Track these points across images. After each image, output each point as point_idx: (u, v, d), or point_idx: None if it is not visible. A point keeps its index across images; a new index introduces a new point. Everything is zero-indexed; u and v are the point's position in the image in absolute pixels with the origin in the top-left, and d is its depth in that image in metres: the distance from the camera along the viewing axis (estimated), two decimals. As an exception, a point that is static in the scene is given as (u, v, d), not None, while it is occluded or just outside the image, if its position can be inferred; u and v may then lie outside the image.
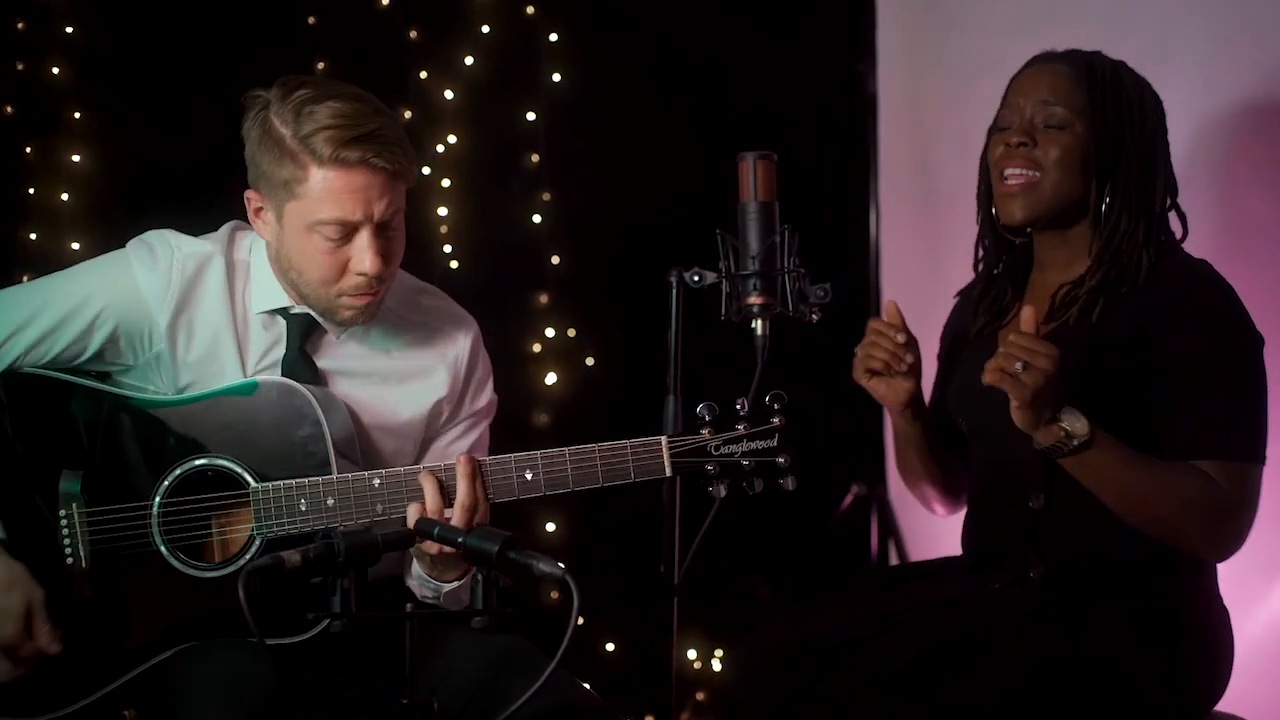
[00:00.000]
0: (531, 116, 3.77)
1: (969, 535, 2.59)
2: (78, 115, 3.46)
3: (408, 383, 2.36)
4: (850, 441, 3.96)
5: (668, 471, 2.18)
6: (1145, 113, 2.44)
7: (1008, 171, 2.47)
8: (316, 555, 1.78)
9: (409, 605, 1.81)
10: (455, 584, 2.28)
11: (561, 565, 1.79)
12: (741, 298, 2.44)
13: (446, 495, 2.14)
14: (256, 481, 2.18)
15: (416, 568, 2.29)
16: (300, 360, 2.30)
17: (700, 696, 3.88)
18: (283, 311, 2.31)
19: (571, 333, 3.85)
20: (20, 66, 3.44)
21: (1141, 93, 2.46)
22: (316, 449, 2.17)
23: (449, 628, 2.26)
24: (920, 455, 2.62)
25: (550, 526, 3.87)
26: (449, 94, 3.73)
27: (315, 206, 2.16)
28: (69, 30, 3.46)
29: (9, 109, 3.44)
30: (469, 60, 3.75)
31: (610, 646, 3.91)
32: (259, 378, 2.26)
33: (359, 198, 2.16)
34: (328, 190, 2.15)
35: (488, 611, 1.81)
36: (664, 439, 2.19)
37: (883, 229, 3.96)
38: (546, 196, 3.80)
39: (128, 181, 3.47)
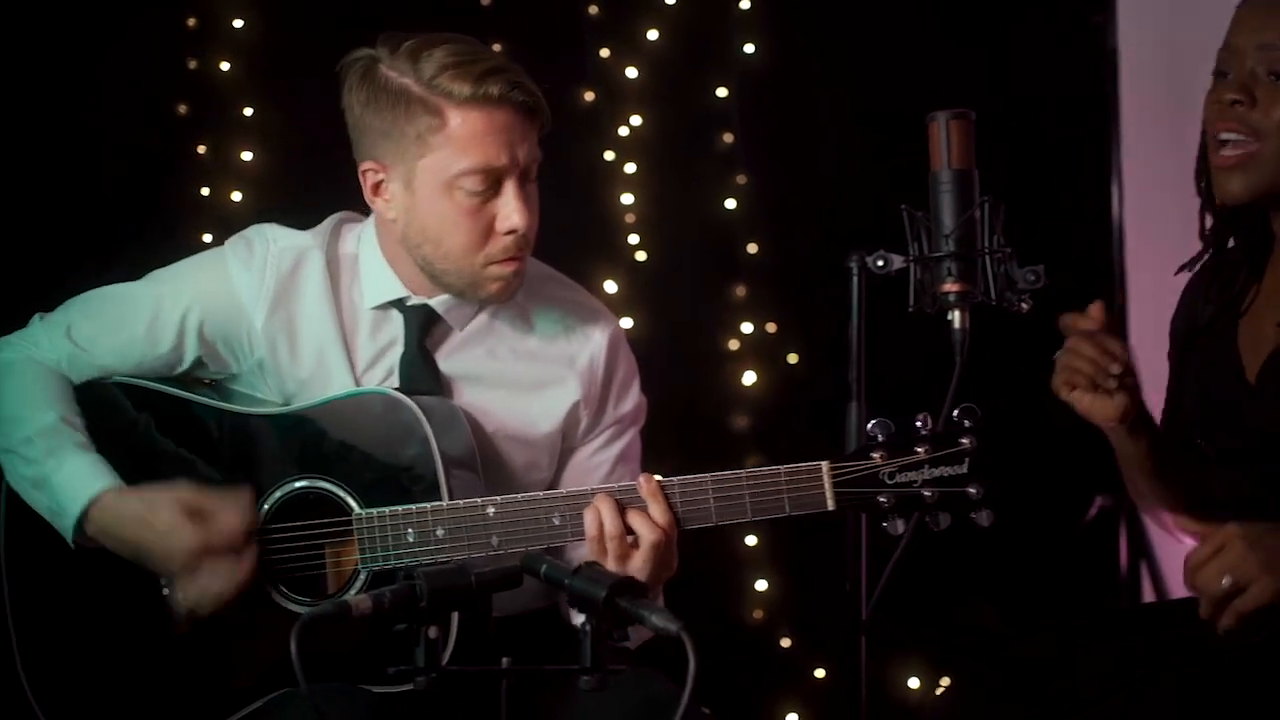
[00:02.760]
0: (723, 93, 3.55)
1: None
2: (248, 112, 3.37)
3: (538, 386, 2.10)
4: (1094, 444, 3.49)
5: (830, 504, 1.85)
6: None
7: (1223, 136, 2.02)
8: (394, 600, 1.51)
9: (504, 660, 1.52)
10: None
11: (677, 621, 1.46)
12: (934, 285, 2.09)
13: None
14: (360, 507, 1.95)
15: None
16: (420, 361, 2.06)
17: (923, 730, 3.52)
18: (398, 304, 2.07)
19: (771, 328, 3.61)
20: (192, 65, 3.38)
21: None
22: (424, 471, 1.93)
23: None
24: (1150, 479, 2.18)
25: (751, 540, 3.58)
26: (632, 72, 3.56)
27: (456, 155, 1.96)
28: (238, 25, 3.36)
29: (182, 108, 3.38)
30: (653, 35, 3.56)
31: (820, 673, 3.59)
32: (363, 388, 2.03)
33: (503, 139, 1.96)
34: (470, 133, 1.95)
35: (596, 669, 1.50)
36: (825, 465, 1.85)
37: (1127, 205, 3.48)
38: (741, 179, 3.58)
39: (299, 179, 3.36)
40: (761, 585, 3.57)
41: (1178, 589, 2.66)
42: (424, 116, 1.95)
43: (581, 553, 2.09)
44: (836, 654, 3.55)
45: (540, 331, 2.12)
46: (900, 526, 1.83)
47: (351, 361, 2.07)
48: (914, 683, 3.54)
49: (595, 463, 2.14)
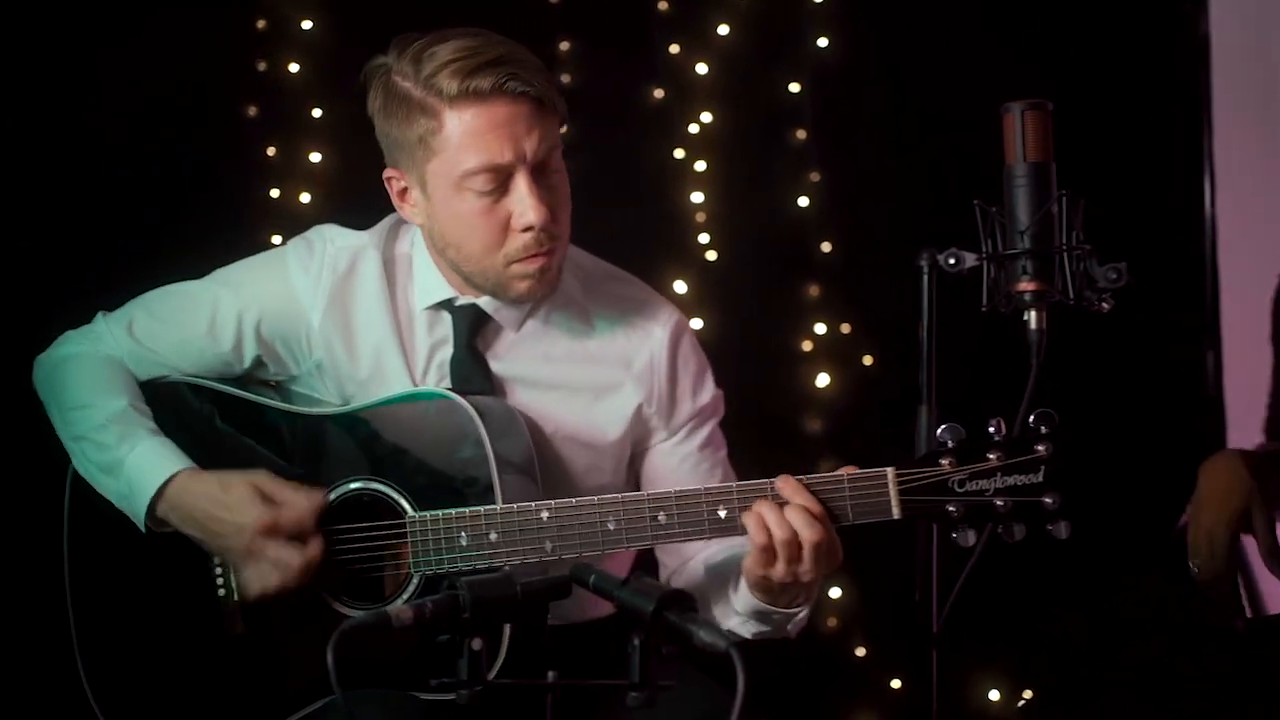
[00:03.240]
0: (795, 88, 3.48)
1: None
2: (317, 114, 3.35)
3: (597, 388, 2.05)
4: (1185, 450, 3.38)
5: (895, 513, 1.77)
6: None
7: None
8: (435, 610, 1.46)
9: (550, 674, 1.46)
10: (805, 609, 1.93)
11: (727, 638, 1.39)
12: (1009, 283, 2.00)
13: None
14: (414, 510, 1.90)
15: (739, 598, 1.93)
16: (470, 361, 2.01)
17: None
18: (447, 305, 2.02)
19: (845, 328, 3.53)
20: (262, 66, 3.37)
21: None
22: (479, 473, 1.88)
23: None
24: None
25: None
26: (702, 68, 3.49)
27: (458, 157, 1.90)
28: (306, 27, 3.35)
29: (251, 110, 3.37)
30: (724, 30, 3.49)
31: (896, 683, 3.50)
32: (418, 389, 1.98)
33: (503, 134, 1.89)
34: (467, 132, 1.89)
35: (645, 685, 1.43)
36: (890, 471, 1.78)
37: (1219, 198, 3.35)
38: (814, 176, 3.51)
39: (367, 180, 3.32)
40: (835, 593, 3.49)
41: (1276, 604, 2.54)
42: (422, 119, 1.91)
43: (692, 550, 2.04)
44: (912, 664, 3.46)
45: (600, 331, 2.06)
46: (971, 537, 1.74)
47: (408, 362, 2.03)
48: (994, 695, 3.45)
49: (678, 458, 2.07)
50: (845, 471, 1.83)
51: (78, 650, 2.06)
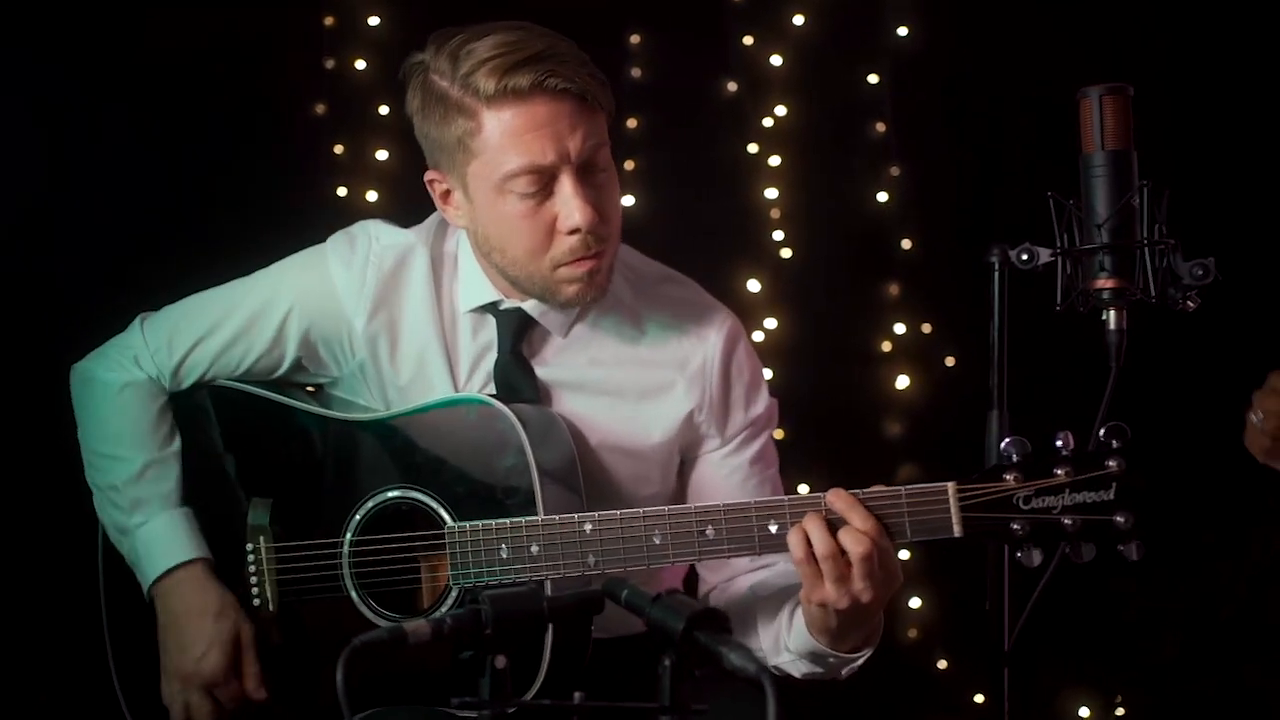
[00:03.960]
0: (874, 79, 3.39)
1: None
2: (384, 111, 3.32)
3: (647, 394, 1.96)
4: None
5: (956, 530, 1.66)
6: None
7: None
8: (455, 626, 1.39)
9: (577, 695, 1.38)
10: (863, 654, 1.83)
11: (759, 660, 1.30)
12: (1086, 281, 1.89)
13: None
14: (453, 520, 1.83)
15: (795, 636, 1.84)
16: (514, 366, 1.94)
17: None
18: (491, 308, 1.95)
19: (926, 328, 3.43)
20: (329, 64, 3.34)
21: None
22: (520, 483, 1.80)
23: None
24: None
25: (903, 554, 3.37)
26: (777, 60, 3.41)
27: (498, 158, 1.82)
28: (373, 24, 3.32)
29: (319, 108, 3.34)
30: (799, 20, 3.40)
31: (979, 698, 3.39)
32: (459, 395, 1.91)
33: (545, 134, 1.81)
34: (506, 133, 1.81)
35: (676, 709, 1.34)
36: (950, 487, 1.67)
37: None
38: (894, 171, 3.41)
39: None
40: (915, 603, 3.38)
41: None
42: (460, 120, 1.83)
43: (737, 568, 1.96)
44: (995, 679, 3.34)
45: (651, 336, 1.97)
46: (1037, 557, 1.62)
47: (452, 366, 1.97)
48: (1084, 712, 3.32)
49: (727, 469, 1.98)
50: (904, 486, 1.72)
51: (112, 663, 2.05)
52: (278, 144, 3.23)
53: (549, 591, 1.75)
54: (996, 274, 2.03)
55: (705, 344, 1.96)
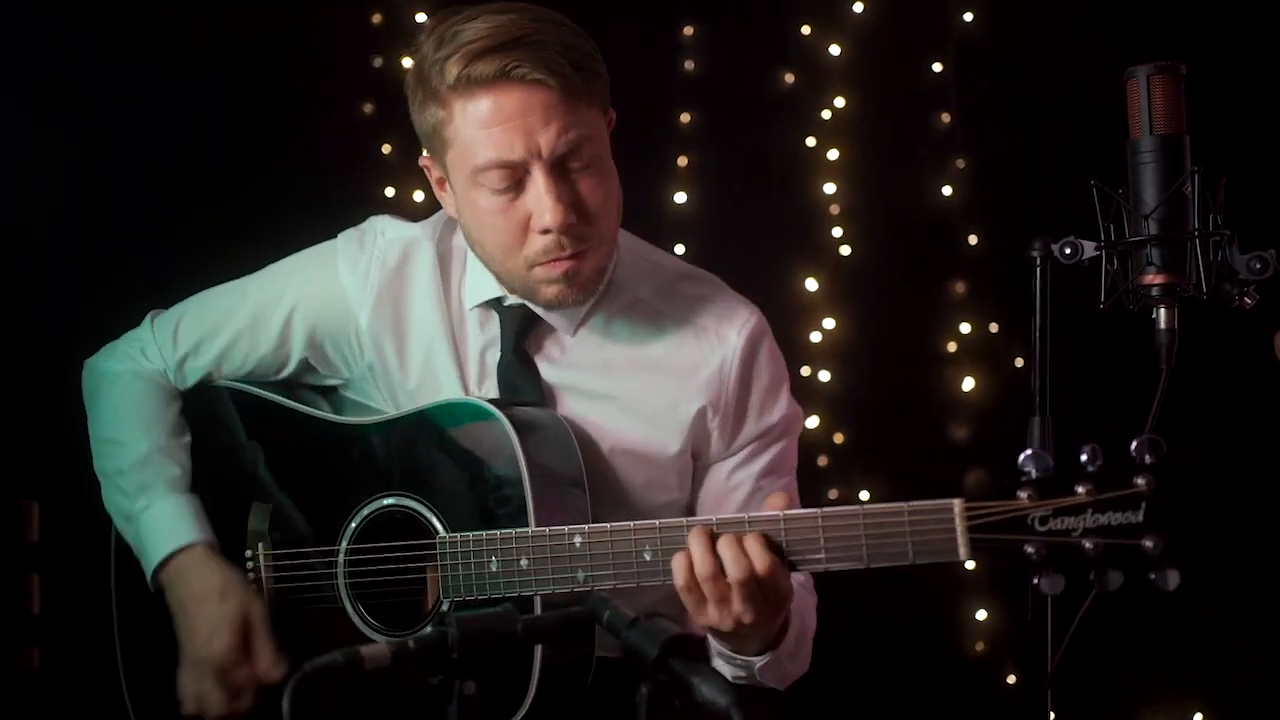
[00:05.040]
0: (938, 68, 3.29)
1: None
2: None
3: (659, 397, 1.85)
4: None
5: (962, 553, 1.54)
6: None
7: None
8: (419, 649, 1.30)
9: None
10: (765, 658, 1.73)
11: (730, 694, 1.19)
12: (1133, 276, 1.77)
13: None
14: (445, 530, 1.75)
15: (713, 641, 1.76)
16: (518, 366, 1.85)
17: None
18: (496, 304, 1.87)
19: (994, 328, 3.31)
20: (377, 63, 3.30)
21: None
22: (511, 492, 1.71)
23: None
24: None
25: (969, 564, 3.24)
26: (836, 49, 3.32)
27: (469, 150, 1.73)
28: (420, 20, 3.26)
29: (367, 107, 3.31)
30: (859, 7, 3.32)
31: (1053, 717, 3.22)
32: (453, 398, 1.83)
33: (513, 126, 1.70)
34: (473, 124, 1.71)
35: (651, 741, 1.25)
36: (957, 505, 1.54)
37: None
38: (960, 163, 3.30)
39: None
40: (981, 615, 3.24)
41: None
42: (433, 107, 1.75)
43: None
44: (1066, 695, 3.20)
45: (667, 336, 1.87)
46: (1059, 584, 1.48)
47: (460, 365, 1.89)
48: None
49: (734, 482, 1.88)
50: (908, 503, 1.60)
51: (121, 663, 2.00)
52: (325, 143, 3.19)
53: (539, 609, 1.66)
54: (1038, 269, 1.92)
55: (723, 345, 1.86)
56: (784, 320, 3.44)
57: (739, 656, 1.73)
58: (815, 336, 3.28)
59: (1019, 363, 3.29)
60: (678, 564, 1.60)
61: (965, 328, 3.29)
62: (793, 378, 3.39)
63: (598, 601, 1.39)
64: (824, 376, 3.31)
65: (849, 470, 3.32)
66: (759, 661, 1.72)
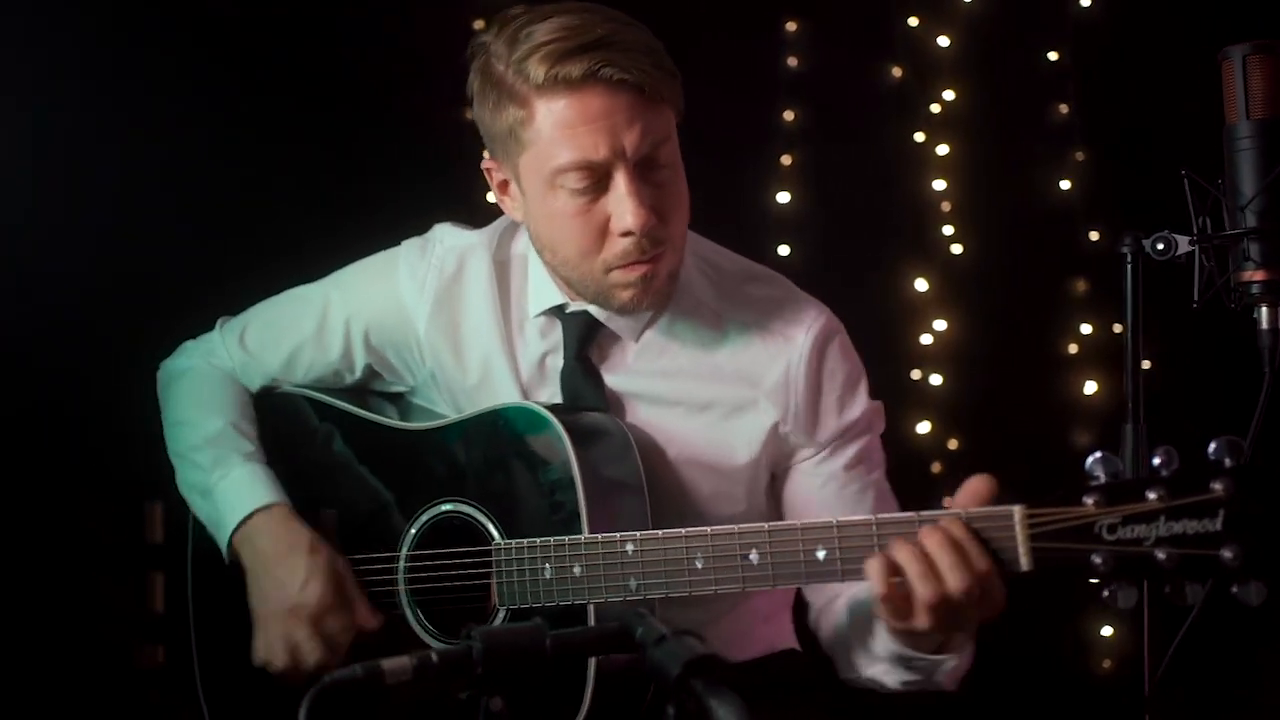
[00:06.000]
0: (1054, 56, 3.21)
1: None
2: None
3: (725, 405, 1.79)
4: None
5: (1024, 563, 1.44)
6: None
7: None
8: (443, 664, 1.26)
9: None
10: (953, 659, 1.64)
11: (745, 721, 1.12)
12: (1231, 272, 1.66)
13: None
14: (502, 536, 1.72)
15: (879, 641, 1.68)
16: (580, 374, 1.81)
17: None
18: (558, 311, 1.83)
19: (1118, 328, 3.14)
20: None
21: None
22: (565, 498, 1.67)
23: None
24: None
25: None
26: (944, 41, 3.26)
27: (549, 151, 1.69)
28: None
29: (468, 113, 3.29)
30: None
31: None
32: (508, 403, 1.80)
33: (599, 127, 1.67)
34: (557, 125, 1.67)
35: (674, 768, 1.18)
36: (1017, 512, 1.45)
37: None
38: (1079, 156, 3.22)
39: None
40: (1107, 631, 3.10)
41: None
42: (512, 108, 1.71)
43: (838, 587, 1.78)
44: (1200, 712, 3.04)
45: (732, 340, 1.81)
46: (1131, 596, 1.38)
47: (517, 373, 1.86)
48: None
49: (821, 478, 1.80)
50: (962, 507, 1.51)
51: (196, 658, 2.01)
52: (425, 150, 3.20)
53: (591, 619, 1.62)
54: (1129, 266, 1.80)
55: (791, 347, 1.79)
56: (893, 322, 3.36)
57: (921, 657, 1.63)
58: (926, 339, 3.19)
59: (1145, 365, 3.14)
60: (875, 570, 1.49)
61: (1086, 328, 3.19)
62: (902, 381, 3.29)
63: (633, 615, 1.33)
64: (935, 380, 3.20)
65: (963, 478, 3.21)
66: (949, 661, 1.64)
